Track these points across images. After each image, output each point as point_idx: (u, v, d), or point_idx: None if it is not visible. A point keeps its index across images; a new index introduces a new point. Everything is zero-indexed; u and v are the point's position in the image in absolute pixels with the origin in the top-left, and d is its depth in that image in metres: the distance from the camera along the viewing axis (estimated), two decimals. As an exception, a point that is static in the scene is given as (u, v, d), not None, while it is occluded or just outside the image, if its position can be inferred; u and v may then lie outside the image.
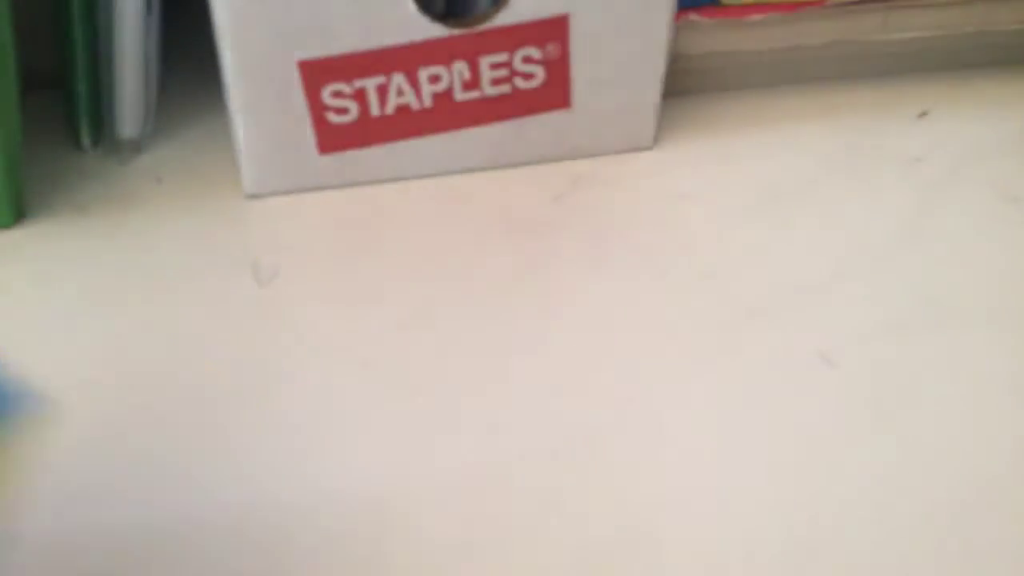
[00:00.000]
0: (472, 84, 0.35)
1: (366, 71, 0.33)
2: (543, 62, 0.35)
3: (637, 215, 0.37)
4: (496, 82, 0.35)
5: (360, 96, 0.34)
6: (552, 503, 0.26)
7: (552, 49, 0.35)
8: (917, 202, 0.38)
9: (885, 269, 0.35)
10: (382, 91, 0.34)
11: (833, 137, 0.41)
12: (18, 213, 0.34)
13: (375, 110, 0.34)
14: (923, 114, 0.42)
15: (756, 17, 0.39)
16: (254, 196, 0.36)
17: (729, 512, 0.26)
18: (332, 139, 0.35)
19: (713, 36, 0.40)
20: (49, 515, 0.25)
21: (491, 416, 0.29)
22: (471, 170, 0.37)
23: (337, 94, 0.34)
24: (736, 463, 0.28)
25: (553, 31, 0.35)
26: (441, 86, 0.35)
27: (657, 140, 0.39)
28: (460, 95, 0.35)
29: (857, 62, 0.42)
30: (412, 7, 0.33)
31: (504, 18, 0.34)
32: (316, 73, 0.33)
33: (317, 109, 0.34)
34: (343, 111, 0.34)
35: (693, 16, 0.39)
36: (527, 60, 0.35)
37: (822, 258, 0.35)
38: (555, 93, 0.36)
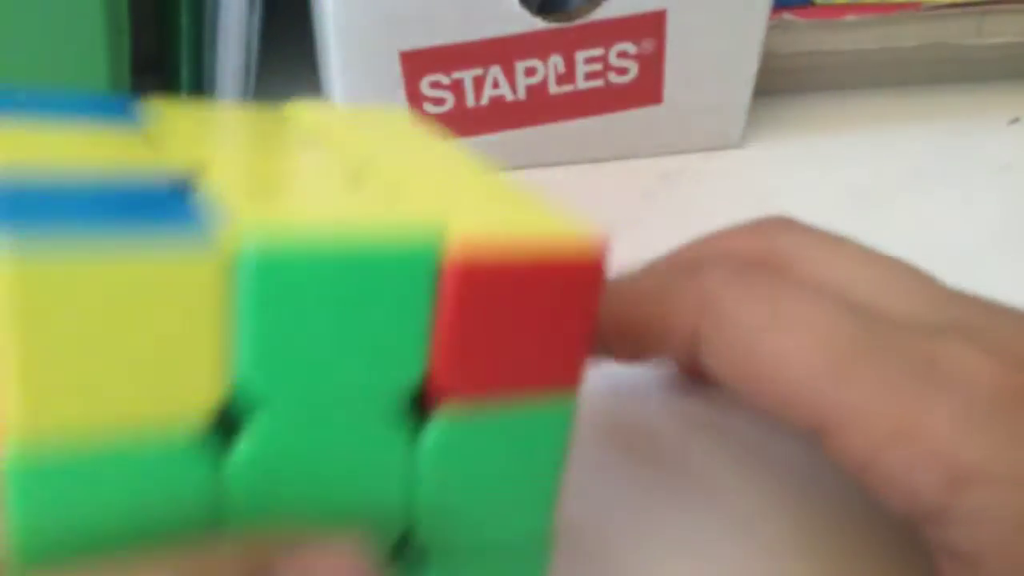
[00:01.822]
0: (566, 78, 0.35)
1: (465, 63, 0.34)
2: (637, 57, 0.36)
3: (724, 213, 0.37)
4: (590, 76, 0.36)
5: (457, 87, 0.34)
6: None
7: (647, 45, 0.35)
8: (1006, 210, 0.37)
9: (973, 277, 0.34)
10: (479, 83, 0.35)
11: (923, 141, 0.41)
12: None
13: (470, 101, 0.35)
14: (1015, 120, 0.42)
15: (851, 18, 0.39)
16: (348, 182, 0.37)
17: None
18: (427, 129, 0.35)
19: (806, 36, 0.40)
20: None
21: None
22: (561, 164, 0.37)
23: (435, 84, 0.34)
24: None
25: (649, 27, 0.35)
26: (536, 79, 0.35)
27: (746, 138, 0.39)
28: (554, 88, 0.35)
29: (949, 66, 0.42)
30: (514, 1, 0.33)
31: (602, 13, 0.34)
32: (417, 64, 0.34)
33: (415, 99, 0.34)
34: (440, 101, 0.35)
35: (787, 15, 0.38)
36: (622, 55, 0.35)
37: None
38: (647, 88, 0.37)
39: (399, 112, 0.21)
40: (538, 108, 0.36)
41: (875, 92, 0.42)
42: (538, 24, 0.34)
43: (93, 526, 0.13)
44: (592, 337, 0.15)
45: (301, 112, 0.19)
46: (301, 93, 0.43)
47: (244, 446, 0.13)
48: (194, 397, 0.13)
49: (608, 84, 0.36)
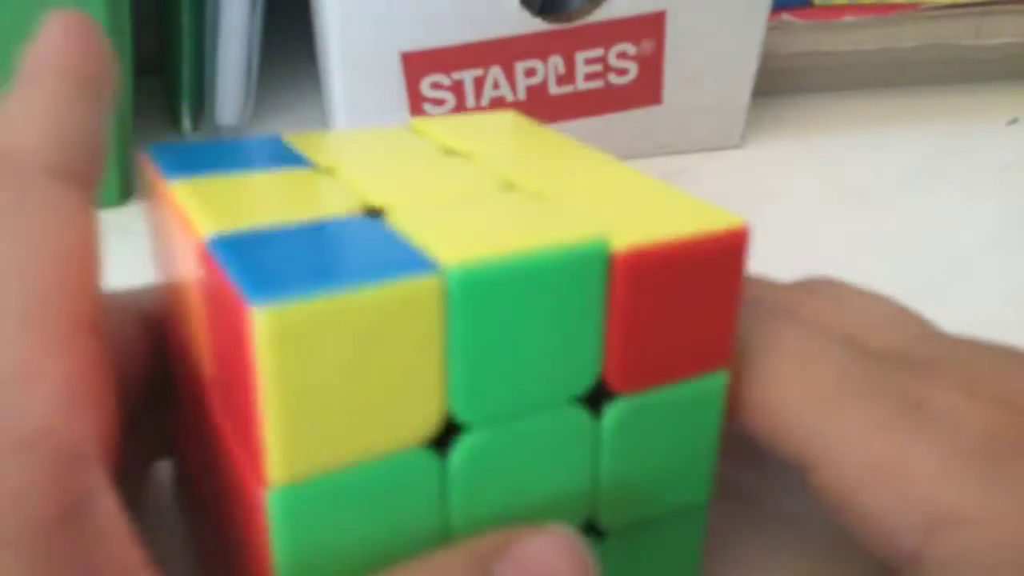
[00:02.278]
0: (566, 78, 0.35)
1: (465, 63, 0.34)
2: (637, 58, 0.36)
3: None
4: (590, 77, 0.36)
5: (457, 88, 0.35)
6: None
7: (647, 45, 0.36)
8: (1006, 210, 0.37)
9: (973, 276, 0.34)
10: (479, 83, 0.35)
11: (922, 142, 0.41)
12: (126, 192, 0.35)
13: (471, 102, 0.35)
14: (1013, 121, 0.42)
15: (849, 19, 0.39)
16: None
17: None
18: (427, 129, 0.36)
19: (805, 37, 0.40)
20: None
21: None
22: (561, 163, 0.38)
23: (436, 85, 0.34)
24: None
25: (649, 28, 0.35)
26: (536, 80, 0.35)
27: (745, 138, 0.39)
28: (554, 89, 0.36)
29: (948, 67, 0.42)
30: (514, 2, 0.33)
31: (602, 14, 0.34)
32: (418, 64, 0.34)
33: (415, 100, 0.35)
34: (440, 102, 0.35)
35: (786, 16, 0.39)
36: (621, 56, 0.35)
37: (909, 263, 0.35)
38: (647, 89, 0.37)
39: (507, 115, 0.22)
40: (538, 108, 0.36)
41: (874, 93, 0.42)
42: (538, 25, 0.34)
43: (345, 549, 0.14)
44: (737, 312, 0.16)
45: (423, 126, 0.21)
46: (301, 93, 0.43)
47: (459, 455, 0.15)
48: (421, 417, 0.14)
49: (608, 85, 0.36)
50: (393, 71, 0.34)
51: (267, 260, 0.14)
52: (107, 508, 0.13)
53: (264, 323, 0.12)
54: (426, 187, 0.17)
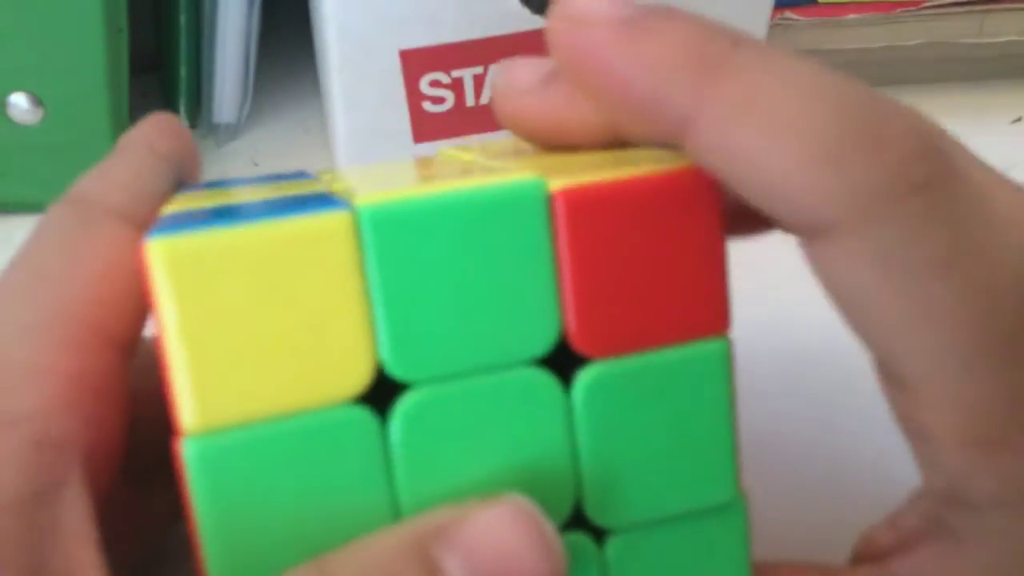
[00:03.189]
0: (567, 77, 0.35)
1: (465, 61, 0.34)
2: (638, 57, 0.35)
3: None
4: (590, 76, 0.35)
5: (457, 86, 0.34)
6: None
7: (648, 44, 0.35)
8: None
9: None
10: (479, 81, 0.34)
11: (925, 140, 0.40)
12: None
13: (470, 100, 0.35)
14: (1017, 120, 0.41)
15: (852, 17, 0.39)
16: (347, 182, 0.37)
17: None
18: (427, 128, 0.35)
19: (808, 34, 0.39)
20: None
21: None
22: (561, 163, 0.37)
23: (435, 83, 0.34)
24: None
25: (650, 26, 0.35)
26: (536, 78, 0.35)
27: (747, 138, 0.39)
28: (554, 88, 0.35)
29: (951, 65, 0.42)
30: (514, 0, 0.33)
31: (602, 12, 0.34)
32: (417, 62, 0.33)
33: (414, 98, 0.34)
34: (439, 100, 0.35)
35: (789, 14, 0.38)
36: (622, 54, 0.35)
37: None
38: (648, 88, 0.36)
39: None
40: (538, 107, 0.36)
41: (877, 91, 0.42)
42: (538, 23, 0.34)
43: (278, 514, 0.13)
44: (727, 272, 0.15)
45: (456, 153, 0.20)
46: (300, 91, 0.43)
47: (400, 416, 0.14)
48: (349, 369, 0.13)
49: (609, 83, 0.36)
50: (392, 69, 0.33)
51: (185, 220, 0.13)
52: (73, 504, 0.13)
53: (158, 255, 0.12)
54: (401, 183, 0.16)
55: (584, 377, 0.14)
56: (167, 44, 0.39)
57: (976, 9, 0.40)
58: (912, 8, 0.39)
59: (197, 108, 0.39)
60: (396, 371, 0.13)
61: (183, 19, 0.37)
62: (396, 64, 0.33)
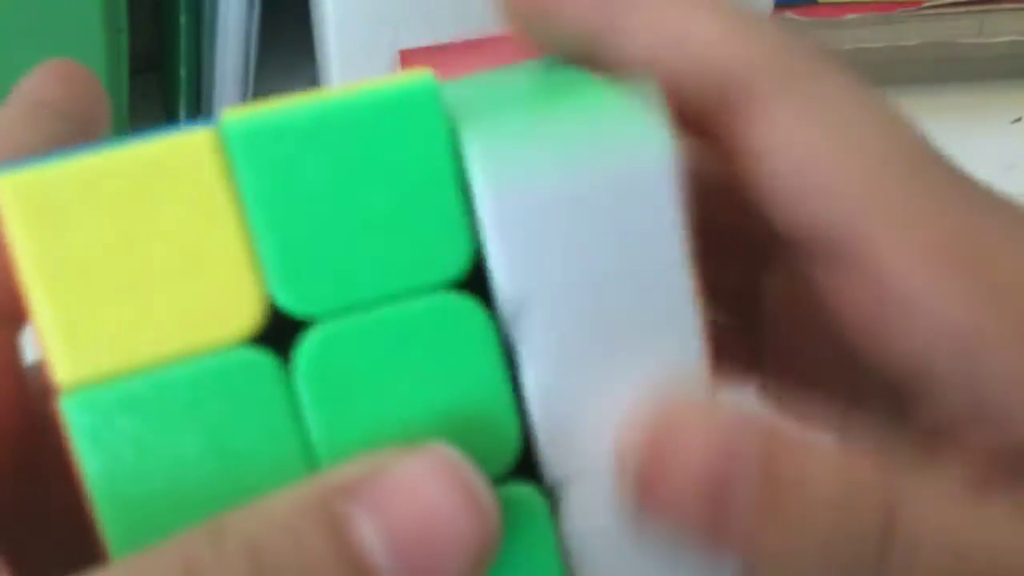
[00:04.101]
0: (566, 77, 0.35)
1: (464, 61, 0.34)
2: (637, 57, 0.35)
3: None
4: (590, 76, 0.35)
5: (456, 86, 0.34)
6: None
7: (648, 44, 0.35)
8: (1010, 209, 0.37)
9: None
10: (478, 81, 0.34)
11: (925, 140, 0.40)
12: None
13: (470, 100, 0.35)
14: (1017, 120, 0.41)
15: (852, 17, 0.39)
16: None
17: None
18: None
19: (807, 35, 0.39)
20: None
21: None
22: (561, 163, 0.37)
23: (434, 83, 0.34)
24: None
25: (650, 26, 0.35)
26: (536, 78, 0.35)
27: (746, 138, 0.39)
28: (554, 88, 0.35)
29: (951, 65, 0.42)
30: (512, -1, 0.33)
31: (601, 12, 0.34)
32: (415, 62, 0.33)
33: (414, 98, 0.34)
34: (439, 100, 0.35)
35: (789, 14, 0.38)
36: (622, 54, 0.35)
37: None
38: (647, 88, 0.36)
39: None
40: (538, 107, 0.36)
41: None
42: (538, 23, 0.34)
43: (171, 459, 0.12)
44: None
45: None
46: (299, 91, 0.43)
47: (303, 356, 0.12)
48: (235, 306, 0.12)
49: (608, 83, 0.36)
50: (391, 69, 0.33)
51: (44, 158, 0.12)
52: None
53: (5, 193, 0.11)
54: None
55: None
56: (167, 44, 0.39)
57: (976, 9, 0.40)
58: (912, 8, 0.39)
59: (197, 108, 0.39)
60: (289, 305, 0.12)
61: (183, 19, 0.37)
62: (395, 64, 0.33)
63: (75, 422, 0.11)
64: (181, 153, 0.11)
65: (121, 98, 0.34)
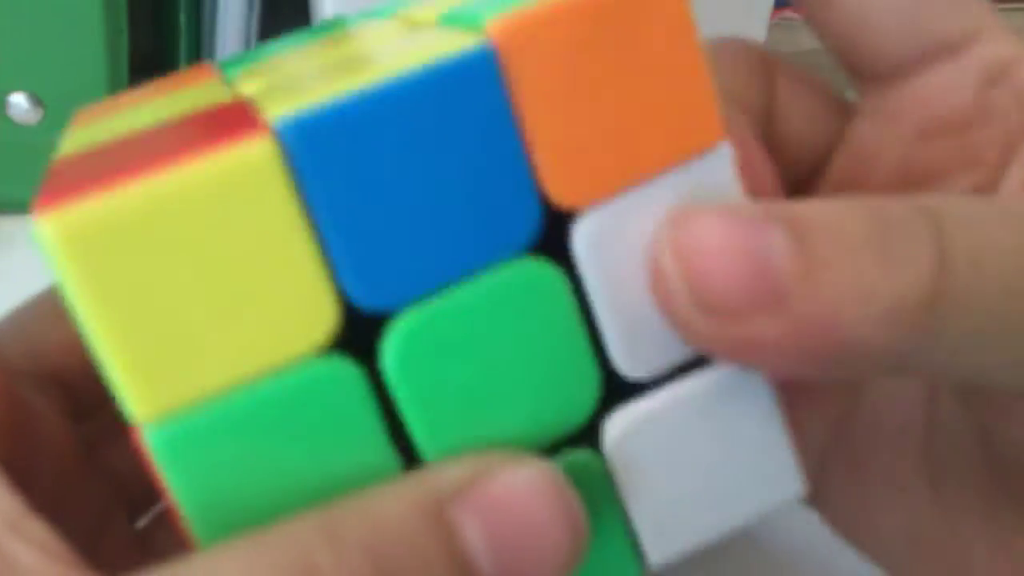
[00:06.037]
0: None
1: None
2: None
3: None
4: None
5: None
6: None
7: (648, 44, 0.35)
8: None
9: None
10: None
11: (925, 140, 0.40)
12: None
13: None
14: (1017, 119, 0.41)
15: (852, 17, 0.39)
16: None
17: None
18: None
19: (808, 34, 0.39)
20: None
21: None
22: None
23: (435, 83, 0.34)
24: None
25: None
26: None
27: (747, 138, 0.39)
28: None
29: (952, 65, 0.42)
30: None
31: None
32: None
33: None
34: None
35: (789, 14, 0.38)
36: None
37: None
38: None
39: None
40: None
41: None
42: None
43: (267, 476, 0.12)
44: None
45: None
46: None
47: (391, 352, 0.12)
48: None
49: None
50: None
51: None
52: None
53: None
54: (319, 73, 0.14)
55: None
56: (167, 44, 0.39)
57: (976, 9, 0.40)
58: (912, 8, 0.39)
59: (197, 108, 0.39)
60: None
61: (183, 19, 0.37)
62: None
63: (160, 453, 0.11)
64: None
65: (121, 98, 0.34)
